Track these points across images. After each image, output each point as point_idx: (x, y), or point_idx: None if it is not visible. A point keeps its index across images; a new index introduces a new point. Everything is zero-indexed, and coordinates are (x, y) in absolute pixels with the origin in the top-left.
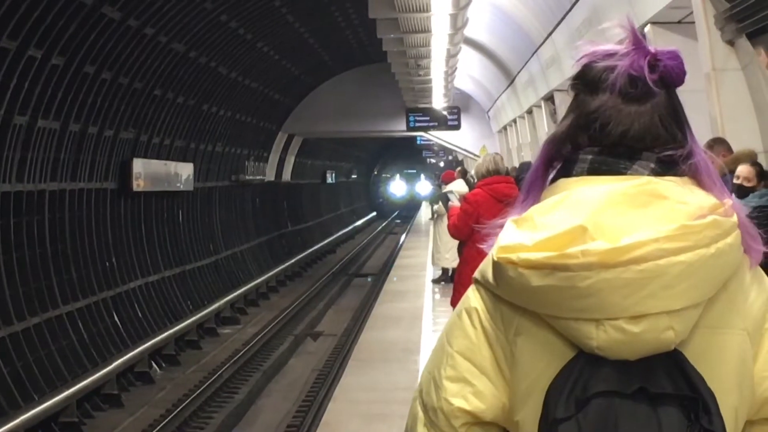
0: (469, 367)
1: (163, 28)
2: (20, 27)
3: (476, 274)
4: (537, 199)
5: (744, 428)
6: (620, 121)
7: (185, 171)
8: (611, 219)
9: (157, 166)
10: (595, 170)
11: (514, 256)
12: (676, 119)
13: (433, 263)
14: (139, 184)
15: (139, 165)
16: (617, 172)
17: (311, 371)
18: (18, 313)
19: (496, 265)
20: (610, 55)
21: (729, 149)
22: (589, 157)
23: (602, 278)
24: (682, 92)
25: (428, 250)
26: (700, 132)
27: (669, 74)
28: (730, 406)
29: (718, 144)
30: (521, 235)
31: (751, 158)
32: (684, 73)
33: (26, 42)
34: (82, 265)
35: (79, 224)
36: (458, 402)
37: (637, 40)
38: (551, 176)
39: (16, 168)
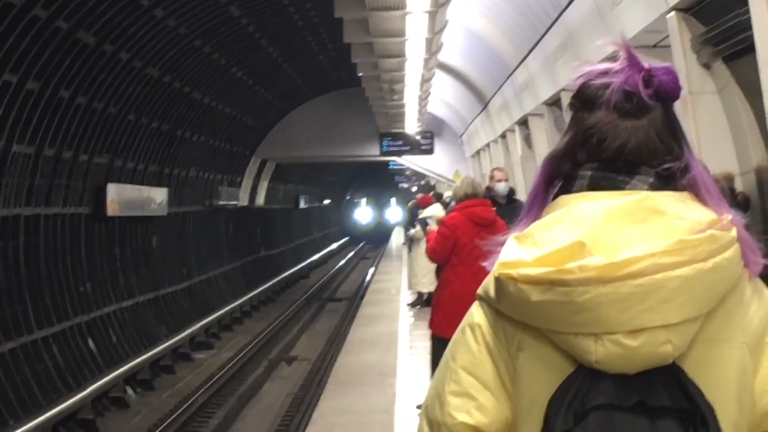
0: (473, 382)
1: (138, 53)
2: None
3: (479, 290)
4: (538, 216)
5: None
6: (617, 136)
7: (159, 196)
8: (609, 234)
9: (132, 191)
10: (594, 186)
11: (514, 272)
12: (672, 133)
13: (410, 287)
14: (113, 209)
15: (113, 190)
16: (616, 188)
17: (286, 395)
18: None
19: (498, 281)
20: (605, 72)
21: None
22: (589, 173)
23: (600, 293)
24: None
25: (402, 274)
26: None
27: (664, 89)
28: (729, 419)
29: None
30: (521, 252)
31: (727, 181)
32: (679, 87)
33: (1, 66)
34: (56, 290)
35: (53, 249)
36: (461, 416)
37: (632, 57)
38: (553, 193)
39: None
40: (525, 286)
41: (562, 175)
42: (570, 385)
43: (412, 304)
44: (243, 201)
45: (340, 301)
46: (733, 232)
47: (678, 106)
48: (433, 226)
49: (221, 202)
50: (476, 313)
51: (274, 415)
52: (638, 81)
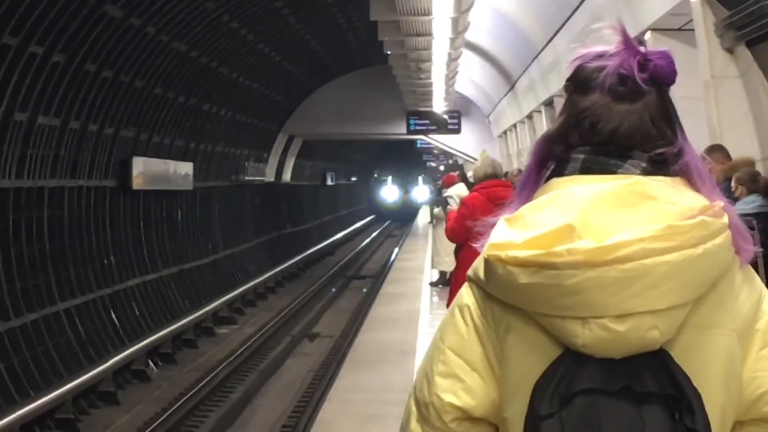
0: (460, 363)
1: (164, 27)
2: (22, 24)
3: (469, 272)
4: (530, 198)
5: (734, 429)
6: (610, 119)
7: (185, 170)
8: (600, 218)
9: (157, 164)
10: (586, 169)
11: (503, 254)
12: (666, 118)
13: (433, 266)
14: (138, 183)
15: (138, 163)
16: (608, 171)
17: (307, 372)
18: (15, 309)
19: (487, 263)
20: (600, 55)
21: (727, 156)
22: (581, 156)
23: (588, 277)
24: (681, 99)
25: (426, 253)
26: (699, 139)
27: (659, 73)
28: (716, 406)
29: (716, 151)
30: (511, 233)
31: (748, 165)
32: (675, 72)
33: (28, 39)
34: (80, 263)
35: (77, 221)
36: (448, 398)
37: (627, 41)
38: (546, 176)
39: (16, 164)
40: (513, 268)
41: (554, 158)
42: (556, 369)
43: (435, 283)
44: (269, 177)
45: (364, 279)
46: (725, 219)
47: (701, 90)
48: (453, 206)
49: (247, 178)
50: (466, 295)
51: (294, 390)
52: (633, 65)
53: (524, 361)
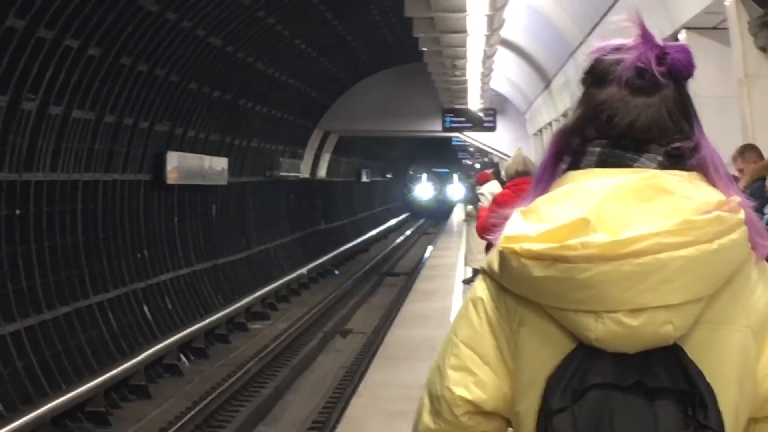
0: (472, 357)
1: (200, 22)
2: (57, 17)
3: (483, 264)
4: (546, 191)
5: (748, 425)
6: (627, 113)
7: (219, 165)
8: (615, 212)
9: (192, 159)
10: (602, 162)
11: (517, 246)
12: (683, 112)
13: (466, 264)
14: (173, 177)
15: (173, 158)
16: (624, 165)
17: (339, 368)
18: (48, 301)
19: (501, 255)
20: (618, 48)
21: (760, 156)
22: (598, 149)
23: (602, 270)
24: (715, 98)
25: (460, 250)
26: (732, 138)
27: (677, 67)
28: (730, 402)
29: (749, 150)
30: (526, 226)
31: None
32: (692, 66)
33: (63, 32)
34: (114, 256)
35: (111, 215)
36: (460, 391)
37: (646, 34)
38: (562, 169)
39: (51, 157)
40: (527, 261)
41: (571, 151)
42: (569, 363)
43: (467, 281)
44: (304, 173)
45: (398, 276)
46: (741, 215)
47: (734, 89)
48: (484, 203)
49: (282, 173)
50: (479, 288)
51: (326, 386)
52: (651, 58)
53: (537, 355)
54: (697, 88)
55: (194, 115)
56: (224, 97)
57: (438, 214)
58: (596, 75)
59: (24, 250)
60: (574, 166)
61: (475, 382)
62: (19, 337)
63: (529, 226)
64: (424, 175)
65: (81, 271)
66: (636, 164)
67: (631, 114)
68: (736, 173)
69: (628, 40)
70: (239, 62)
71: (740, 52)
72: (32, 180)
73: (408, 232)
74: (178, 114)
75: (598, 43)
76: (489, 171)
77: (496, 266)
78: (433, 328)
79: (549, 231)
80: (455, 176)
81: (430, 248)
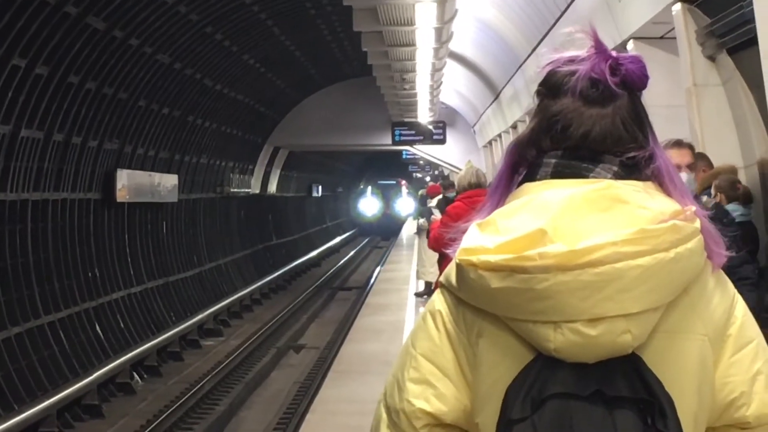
0: (432, 369)
1: (148, 39)
2: (4, 36)
3: (441, 278)
4: (501, 203)
5: None
6: (582, 123)
7: (170, 182)
8: (571, 223)
9: (142, 177)
10: (558, 174)
11: (474, 258)
12: (638, 122)
13: (418, 277)
14: (123, 195)
15: (123, 176)
16: (580, 176)
17: (293, 383)
18: None
19: (458, 268)
20: (571, 60)
21: (709, 164)
22: (553, 161)
23: (559, 281)
24: (664, 107)
25: (412, 263)
26: None
27: (630, 77)
28: (688, 411)
29: (698, 159)
30: (483, 238)
31: (730, 173)
32: (646, 76)
33: (10, 51)
34: (64, 275)
35: (62, 234)
36: (420, 404)
37: (599, 45)
38: (518, 181)
39: None
40: (485, 273)
41: (526, 163)
42: (528, 373)
43: (420, 294)
44: (255, 188)
45: (350, 290)
46: (697, 223)
47: (683, 98)
48: (437, 216)
49: (233, 190)
50: (437, 300)
51: (280, 402)
52: (605, 69)
53: (497, 366)
54: (646, 97)
55: (144, 132)
56: (173, 114)
57: (385, 231)
58: (550, 86)
59: None
60: (530, 177)
61: (435, 394)
62: None
63: (487, 239)
64: (369, 189)
65: (32, 291)
66: (591, 174)
67: (585, 124)
68: None
69: (582, 52)
70: (187, 78)
71: (688, 61)
72: None
73: (359, 247)
74: (127, 132)
75: (552, 54)
76: (439, 183)
77: (453, 279)
78: (387, 341)
79: (506, 242)
80: (404, 189)
81: (382, 261)
